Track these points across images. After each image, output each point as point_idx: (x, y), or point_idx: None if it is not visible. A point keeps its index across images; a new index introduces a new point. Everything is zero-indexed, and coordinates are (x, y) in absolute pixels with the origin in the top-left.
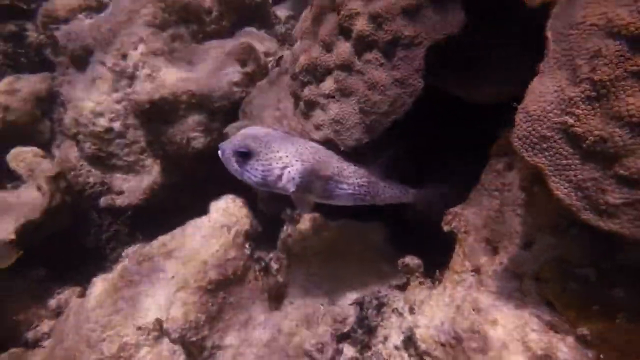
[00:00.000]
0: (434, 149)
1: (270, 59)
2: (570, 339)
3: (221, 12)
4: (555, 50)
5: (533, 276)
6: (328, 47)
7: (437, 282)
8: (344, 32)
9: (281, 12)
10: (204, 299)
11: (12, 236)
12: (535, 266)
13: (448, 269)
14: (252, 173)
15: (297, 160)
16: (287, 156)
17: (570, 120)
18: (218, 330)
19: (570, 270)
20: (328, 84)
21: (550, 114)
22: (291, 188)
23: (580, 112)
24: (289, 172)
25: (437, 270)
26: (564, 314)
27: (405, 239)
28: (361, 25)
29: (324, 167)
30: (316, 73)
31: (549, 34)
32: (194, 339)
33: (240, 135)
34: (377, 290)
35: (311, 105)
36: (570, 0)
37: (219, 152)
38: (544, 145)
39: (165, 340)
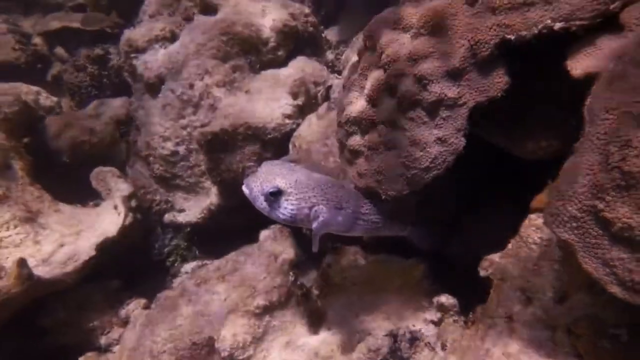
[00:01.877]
0: (474, 195)
1: (320, 88)
2: None
3: (278, 43)
4: (590, 132)
5: (566, 329)
6: (374, 103)
7: (470, 323)
8: (390, 89)
9: (332, 36)
10: (252, 322)
11: (93, 252)
12: (568, 320)
13: (482, 311)
14: (281, 212)
15: (323, 200)
16: (314, 196)
17: (600, 205)
18: (262, 350)
19: (604, 328)
20: (372, 137)
21: (581, 196)
22: (316, 225)
23: (610, 198)
24: (316, 210)
25: (471, 313)
26: None
27: (444, 276)
28: (407, 85)
29: (347, 205)
30: (361, 125)
31: (585, 114)
32: (241, 357)
33: (267, 174)
34: (412, 324)
35: (355, 154)
36: (610, 82)
37: (244, 188)
38: (574, 224)
39: (216, 357)
